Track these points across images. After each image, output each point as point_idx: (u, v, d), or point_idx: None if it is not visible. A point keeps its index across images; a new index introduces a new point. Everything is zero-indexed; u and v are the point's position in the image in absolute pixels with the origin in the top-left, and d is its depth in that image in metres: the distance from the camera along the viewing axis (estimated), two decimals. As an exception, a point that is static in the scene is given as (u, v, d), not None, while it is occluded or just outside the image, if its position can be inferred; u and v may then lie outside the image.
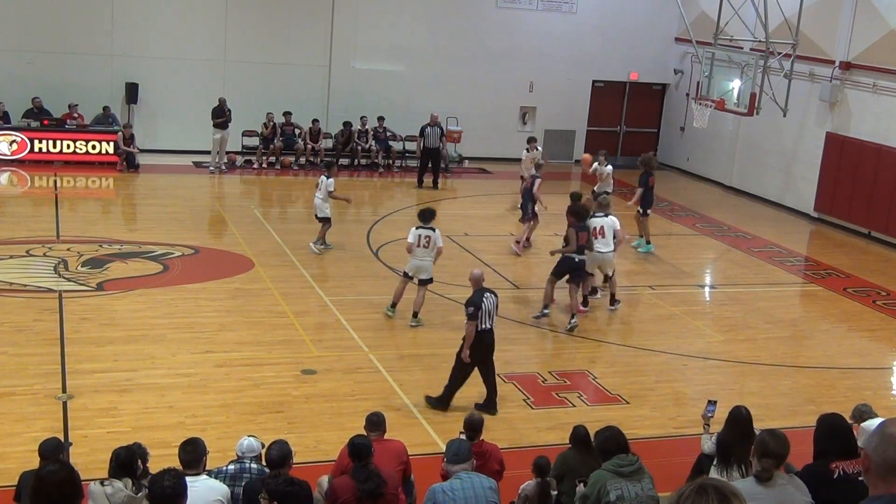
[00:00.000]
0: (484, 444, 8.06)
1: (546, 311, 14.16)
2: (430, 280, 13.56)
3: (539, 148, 21.67)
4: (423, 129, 22.69)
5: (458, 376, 10.77)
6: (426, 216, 13.46)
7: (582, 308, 14.38)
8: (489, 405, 10.79)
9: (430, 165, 22.64)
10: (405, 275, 13.59)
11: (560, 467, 7.69)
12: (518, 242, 17.50)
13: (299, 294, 14.40)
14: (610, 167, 19.12)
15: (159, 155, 22.91)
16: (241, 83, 23.55)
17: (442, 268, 16.31)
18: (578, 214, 14.06)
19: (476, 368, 10.80)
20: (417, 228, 13.37)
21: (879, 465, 3.34)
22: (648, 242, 18.09)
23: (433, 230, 13.34)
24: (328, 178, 16.43)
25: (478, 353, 10.66)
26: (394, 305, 13.59)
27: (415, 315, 13.44)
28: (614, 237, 14.56)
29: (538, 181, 17.56)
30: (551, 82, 26.02)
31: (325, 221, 16.54)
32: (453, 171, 24.57)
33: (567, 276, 13.99)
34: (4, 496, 7.61)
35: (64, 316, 12.77)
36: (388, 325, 13.44)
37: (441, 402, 10.76)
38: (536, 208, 17.55)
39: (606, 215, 14.64)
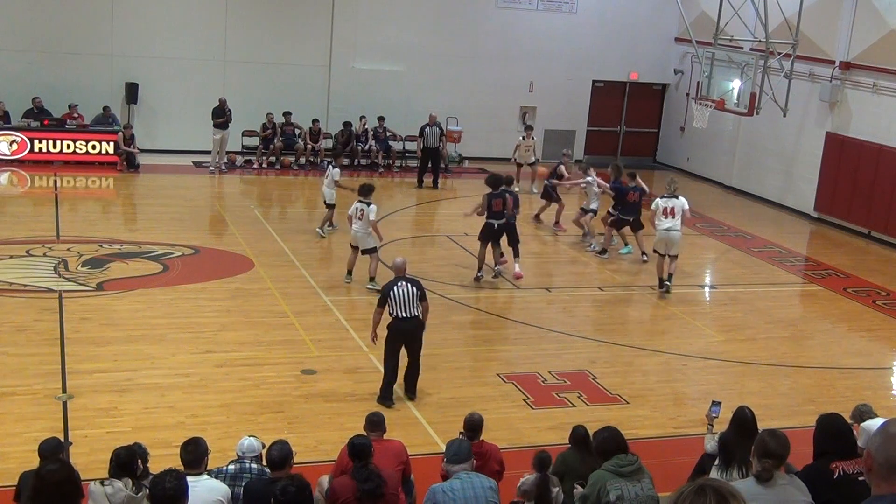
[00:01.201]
0: (484, 445, 8.06)
1: (480, 273, 15.66)
2: (374, 249, 14.81)
3: (534, 138, 23.16)
4: (422, 130, 22.71)
5: (386, 365, 10.95)
6: (365, 191, 14.76)
7: (503, 261, 16.06)
8: (408, 389, 10.97)
9: (429, 165, 22.66)
10: (351, 245, 14.99)
11: (559, 467, 7.69)
12: (557, 223, 19.38)
13: (299, 294, 14.40)
14: (591, 178, 18.26)
15: (159, 155, 22.91)
16: (241, 83, 23.55)
17: (442, 267, 16.38)
18: (492, 183, 15.68)
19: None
20: (357, 202, 14.71)
21: (882, 464, 3.34)
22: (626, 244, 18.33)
23: (368, 205, 14.57)
24: (334, 167, 17.52)
25: (397, 340, 10.86)
26: (349, 273, 14.99)
27: (371, 279, 14.71)
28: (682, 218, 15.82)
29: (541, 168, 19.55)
30: (551, 82, 26.02)
31: (331, 207, 17.52)
32: (453, 171, 24.57)
33: (491, 241, 15.67)
34: (4, 496, 7.61)
35: (64, 316, 12.77)
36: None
37: (383, 398, 10.81)
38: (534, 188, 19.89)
39: (676, 196, 15.77)
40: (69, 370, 11.13)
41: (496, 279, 15.84)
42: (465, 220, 19.15)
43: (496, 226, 15.56)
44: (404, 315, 10.75)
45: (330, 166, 17.69)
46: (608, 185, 17.65)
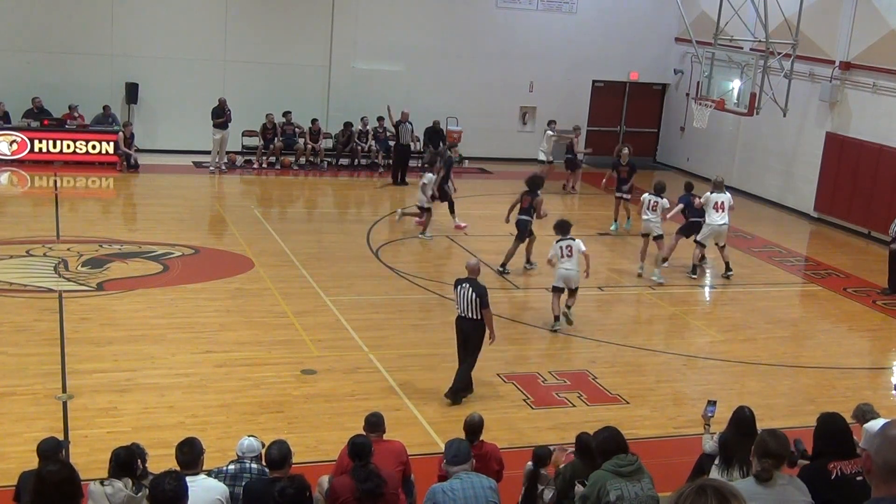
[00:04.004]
0: (484, 446, 8.04)
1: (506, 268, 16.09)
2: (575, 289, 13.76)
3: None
4: (396, 126, 22.67)
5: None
6: (563, 228, 13.72)
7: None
8: (453, 391, 11.03)
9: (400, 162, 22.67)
10: (555, 289, 13.69)
11: (569, 480, 7.59)
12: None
13: (299, 294, 14.40)
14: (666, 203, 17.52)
15: (159, 155, 22.91)
16: (241, 83, 23.55)
17: (442, 268, 16.38)
18: (537, 185, 16.33)
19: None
20: (558, 241, 13.60)
21: (881, 466, 3.34)
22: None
23: (573, 239, 13.60)
24: (430, 174, 18.10)
25: (457, 336, 11.15)
26: (557, 319, 13.63)
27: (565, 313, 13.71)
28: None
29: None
30: (551, 82, 26.02)
31: (426, 212, 17.92)
32: (453, 171, 24.51)
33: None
34: (4, 496, 7.61)
35: (64, 316, 12.77)
36: (388, 325, 13.44)
37: (452, 393, 11.00)
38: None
39: (724, 192, 16.41)
40: (69, 370, 11.13)
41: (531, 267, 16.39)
42: (465, 220, 19.17)
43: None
44: (462, 315, 11.01)
45: (426, 172, 18.24)
46: (678, 207, 16.93)
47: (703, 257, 16.94)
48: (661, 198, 16.43)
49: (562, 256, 13.51)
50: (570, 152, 23.02)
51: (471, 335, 11.07)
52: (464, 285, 11.00)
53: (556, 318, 13.60)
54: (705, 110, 21.26)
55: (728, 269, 16.80)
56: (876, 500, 3.36)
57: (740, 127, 23.94)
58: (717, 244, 16.68)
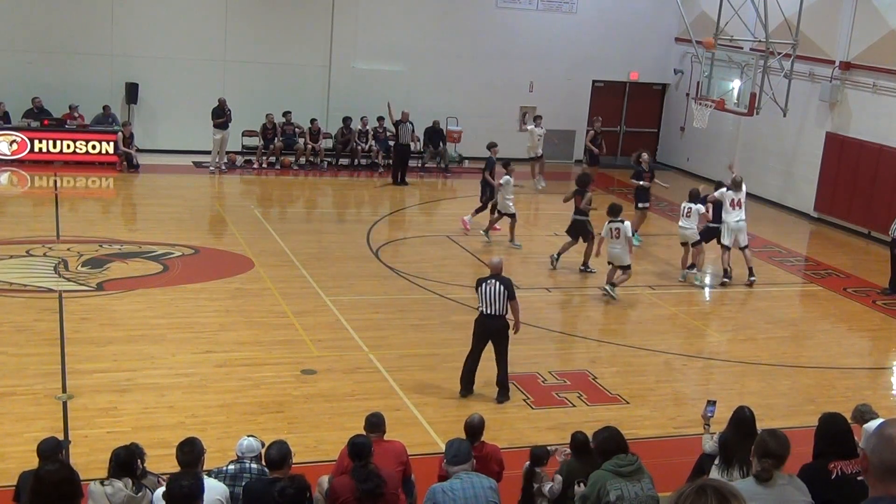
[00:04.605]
0: (485, 447, 8.03)
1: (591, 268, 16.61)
2: (628, 266, 15.26)
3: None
4: (396, 126, 22.67)
5: (466, 359, 11.19)
6: (614, 211, 15.16)
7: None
8: (500, 392, 11.15)
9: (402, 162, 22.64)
10: (610, 263, 15.44)
11: (566, 479, 7.61)
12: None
13: (299, 294, 14.40)
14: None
15: (159, 155, 22.91)
16: (241, 83, 23.55)
17: (441, 268, 16.37)
18: (587, 183, 16.80)
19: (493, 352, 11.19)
20: (609, 223, 15.13)
21: (877, 466, 3.34)
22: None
23: (622, 222, 15.05)
24: (508, 176, 17.56)
25: (481, 337, 11.09)
26: (613, 286, 15.25)
27: (612, 286, 15.22)
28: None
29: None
30: (551, 82, 26.02)
31: (510, 217, 17.62)
32: (453, 171, 24.57)
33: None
34: (4, 496, 7.61)
35: (64, 316, 12.77)
36: (388, 325, 13.45)
37: (463, 388, 11.09)
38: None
39: (741, 190, 16.41)
40: (69, 370, 11.13)
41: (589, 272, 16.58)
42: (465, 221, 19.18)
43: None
44: (490, 312, 10.92)
45: (505, 175, 17.61)
46: (709, 206, 16.87)
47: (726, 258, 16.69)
48: (696, 204, 16.31)
49: (611, 237, 15.10)
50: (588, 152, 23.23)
51: (498, 333, 11.03)
52: (490, 281, 10.98)
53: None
54: (705, 110, 21.25)
55: (751, 274, 16.52)
56: (873, 499, 3.36)
57: (740, 127, 23.93)
58: (739, 247, 16.45)
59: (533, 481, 7.77)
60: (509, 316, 11.14)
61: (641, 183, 18.44)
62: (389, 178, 22.83)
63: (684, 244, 16.61)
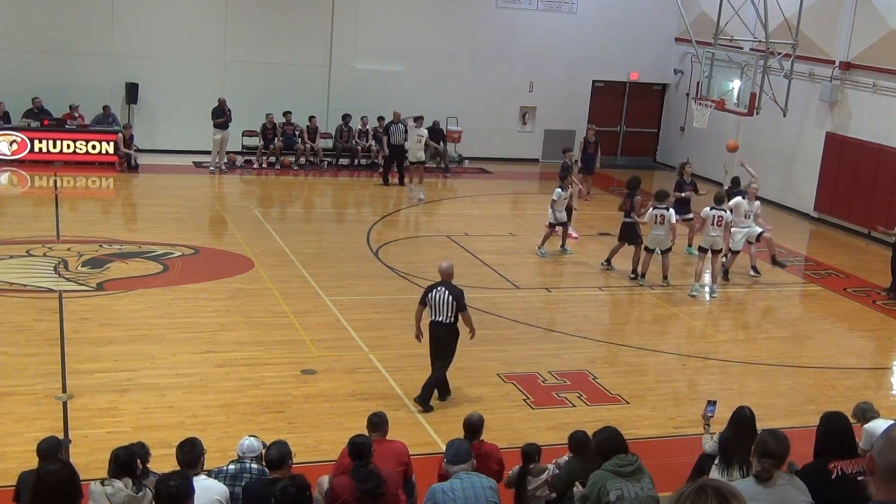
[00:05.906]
0: (484, 445, 8.05)
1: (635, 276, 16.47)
2: (670, 249, 15.88)
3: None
4: (387, 127, 22.62)
5: (432, 366, 11.00)
6: (660, 197, 15.82)
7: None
8: (421, 393, 10.84)
9: (394, 163, 22.53)
10: (646, 248, 15.96)
11: (566, 479, 7.61)
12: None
13: (299, 294, 14.40)
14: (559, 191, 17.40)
15: (159, 155, 22.91)
16: (241, 83, 23.55)
17: (442, 268, 16.33)
18: (636, 185, 16.65)
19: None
20: (654, 209, 15.67)
21: (883, 469, 3.33)
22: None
23: (667, 209, 15.64)
24: (560, 189, 17.07)
25: (431, 342, 10.95)
26: (643, 276, 15.98)
27: (664, 278, 15.90)
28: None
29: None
30: (551, 82, 26.02)
31: (561, 226, 17.40)
32: (453, 171, 24.57)
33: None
34: (4, 496, 7.61)
35: (64, 316, 12.77)
36: (388, 325, 13.44)
37: (422, 400, 10.83)
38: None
39: (754, 203, 16.89)
40: (69, 370, 11.13)
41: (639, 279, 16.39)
42: (465, 220, 19.19)
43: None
44: (437, 319, 10.81)
45: (558, 188, 17.12)
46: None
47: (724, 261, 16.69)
48: (726, 211, 15.86)
49: (655, 222, 15.54)
50: (585, 154, 22.97)
51: (443, 340, 10.86)
52: (438, 288, 10.79)
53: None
54: (705, 110, 21.26)
55: (756, 271, 16.97)
56: (877, 503, 3.35)
57: (740, 127, 23.90)
58: (749, 242, 16.88)
59: (529, 474, 7.77)
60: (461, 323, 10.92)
61: (683, 195, 17.93)
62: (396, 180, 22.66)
63: (704, 251, 15.86)
